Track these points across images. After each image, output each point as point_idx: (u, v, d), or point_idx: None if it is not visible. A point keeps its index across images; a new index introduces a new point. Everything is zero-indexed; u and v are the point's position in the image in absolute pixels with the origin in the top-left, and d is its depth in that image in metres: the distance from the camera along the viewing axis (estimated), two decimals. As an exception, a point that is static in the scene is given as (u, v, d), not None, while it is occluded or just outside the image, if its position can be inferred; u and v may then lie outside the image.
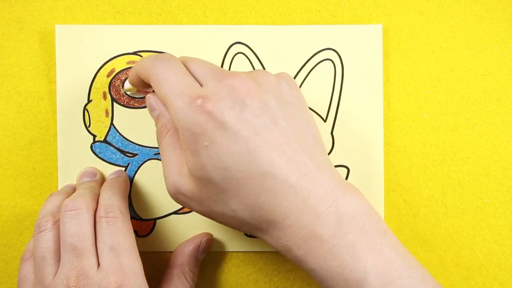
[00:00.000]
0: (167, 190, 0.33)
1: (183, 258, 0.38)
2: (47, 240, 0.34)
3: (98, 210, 0.34)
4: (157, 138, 0.34)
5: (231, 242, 0.40)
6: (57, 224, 0.34)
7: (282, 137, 0.30)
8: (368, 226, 0.29)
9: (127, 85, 0.38)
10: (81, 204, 0.34)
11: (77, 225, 0.33)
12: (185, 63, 0.33)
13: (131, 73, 0.36)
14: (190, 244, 0.39)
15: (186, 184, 0.31)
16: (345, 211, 0.29)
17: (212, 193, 0.30)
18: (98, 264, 0.33)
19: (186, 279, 0.38)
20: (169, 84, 0.31)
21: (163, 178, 0.40)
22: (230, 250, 0.41)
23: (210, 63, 0.33)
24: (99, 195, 0.36)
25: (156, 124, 0.35)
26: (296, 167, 0.29)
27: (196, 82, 0.31)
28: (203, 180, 0.30)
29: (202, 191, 0.31)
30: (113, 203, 0.35)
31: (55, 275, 0.32)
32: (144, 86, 0.36)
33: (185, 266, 0.38)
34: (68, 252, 0.33)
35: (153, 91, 0.35)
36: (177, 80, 0.31)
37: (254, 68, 0.40)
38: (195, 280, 0.38)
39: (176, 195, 0.33)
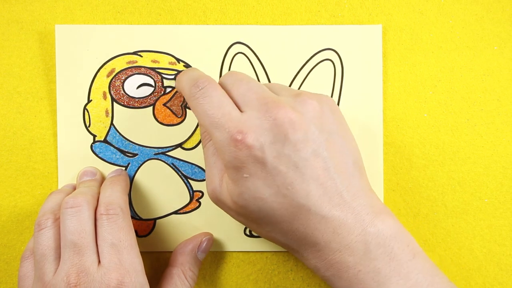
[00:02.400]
0: (207, 192, 0.34)
1: (183, 257, 0.38)
2: (47, 238, 0.34)
3: (98, 208, 0.35)
4: (202, 140, 0.35)
5: (231, 242, 0.40)
6: (57, 221, 0.34)
7: (321, 169, 0.30)
8: (396, 251, 0.30)
9: None
10: (82, 201, 0.34)
11: (78, 222, 0.33)
12: (226, 86, 0.32)
13: (176, 85, 0.36)
14: (190, 243, 0.39)
15: (225, 197, 0.32)
16: (373, 238, 0.30)
17: (248, 216, 0.32)
18: (99, 261, 0.33)
19: (186, 279, 0.38)
20: (208, 115, 0.31)
21: (163, 178, 0.40)
22: (230, 250, 0.41)
23: (254, 84, 0.32)
24: (99, 193, 0.36)
25: (200, 127, 0.35)
26: (331, 198, 0.30)
27: (236, 109, 0.31)
28: (239, 204, 0.31)
29: (239, 210, 0.32)
30: (113, 200, 0.35)
31: (55, 273, 0.33)
32: None
33: (185, 266, 0.38)
34: (69, 249, 0.33)
35: None
36: (215, 111, 0.31)
37: (254, 68, 0.40)
38: (195, 279, 0.38)
39: (215, 201, 0.34)
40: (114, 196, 0.35)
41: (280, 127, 0.30)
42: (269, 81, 0.40)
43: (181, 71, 0.40)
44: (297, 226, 0.30)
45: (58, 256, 0.33)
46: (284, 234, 0.31)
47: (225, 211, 0.34)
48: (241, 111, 0.31)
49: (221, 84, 0.33)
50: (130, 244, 0.34)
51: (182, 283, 0.37)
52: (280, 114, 0.30)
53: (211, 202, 0.40)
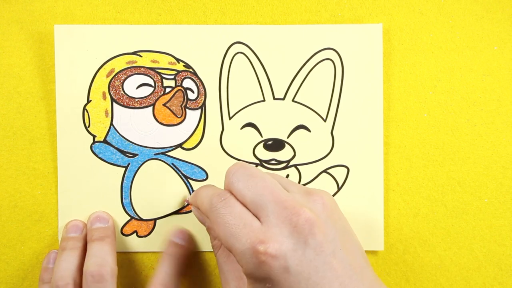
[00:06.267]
0: None
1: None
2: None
3: (84, 274, 0.35)
4: (212, 248, 0.36)
5: (231, 242, 0.40)
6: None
7: (340, 269, 0.30)
8: None
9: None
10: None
11: None
12: (239, 184, 0.32)
13: (191, 200, 0.37)
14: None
15: None
16: None
17: None
18: None
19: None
20: (229, 227, 0.31)
21: (163, 178, 0.40)
22: (230, 250, 0.41)
23: (268, 181, 0.32)
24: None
25: (209, 235, 0.36)
26: None
27: (256, 219, 0.31)
28: None
29: None
30: (103, 267, 0.36)
31: None
32: None
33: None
34: None
35: None
36: (236, 222, 0.30)
37: (254, 68, 0.40)
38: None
39: None
40: (106, 261, 0.36)
41: (301, 233, 0.30)
42: (269, 81, 0.40)
43: (181, 71, 0.40)
44: None
45: None
46: None
47: None
48: (257, 215, 0.31)
49: (231, 181, 0.32)
50: None
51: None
52: (300, 220, 0.30)
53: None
